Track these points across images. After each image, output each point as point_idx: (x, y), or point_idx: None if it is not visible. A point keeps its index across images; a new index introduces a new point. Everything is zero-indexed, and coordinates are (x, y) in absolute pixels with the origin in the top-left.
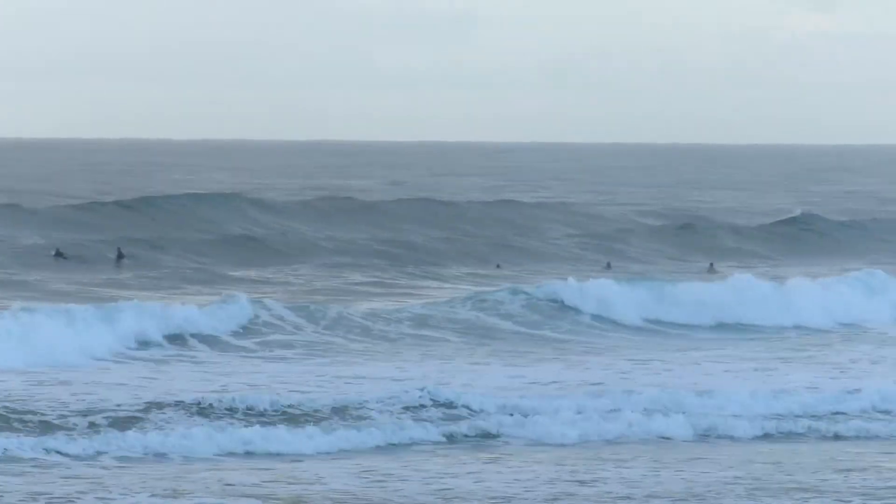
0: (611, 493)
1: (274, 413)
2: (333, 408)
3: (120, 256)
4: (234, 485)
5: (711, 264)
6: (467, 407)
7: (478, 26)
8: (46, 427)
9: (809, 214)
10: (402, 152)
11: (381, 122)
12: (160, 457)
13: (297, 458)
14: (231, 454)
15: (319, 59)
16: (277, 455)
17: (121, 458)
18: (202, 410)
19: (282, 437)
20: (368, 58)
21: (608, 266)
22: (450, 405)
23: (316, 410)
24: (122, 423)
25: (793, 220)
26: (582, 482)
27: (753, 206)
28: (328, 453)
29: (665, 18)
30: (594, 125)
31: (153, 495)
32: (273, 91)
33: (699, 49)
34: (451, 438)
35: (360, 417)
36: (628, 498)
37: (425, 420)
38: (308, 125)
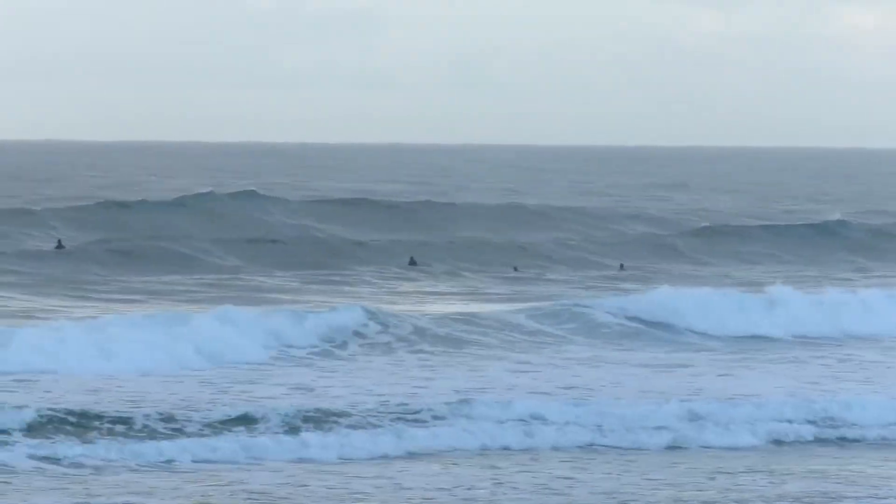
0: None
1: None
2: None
3: (59, 246)
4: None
5: (622, 265)
6: None
7: (383, 25)
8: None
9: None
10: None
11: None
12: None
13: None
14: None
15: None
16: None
17: None
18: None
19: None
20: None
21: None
22: None
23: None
24: None
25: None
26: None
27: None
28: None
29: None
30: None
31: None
32: (169, 91)
33: (601, 49)
34: None
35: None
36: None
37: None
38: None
